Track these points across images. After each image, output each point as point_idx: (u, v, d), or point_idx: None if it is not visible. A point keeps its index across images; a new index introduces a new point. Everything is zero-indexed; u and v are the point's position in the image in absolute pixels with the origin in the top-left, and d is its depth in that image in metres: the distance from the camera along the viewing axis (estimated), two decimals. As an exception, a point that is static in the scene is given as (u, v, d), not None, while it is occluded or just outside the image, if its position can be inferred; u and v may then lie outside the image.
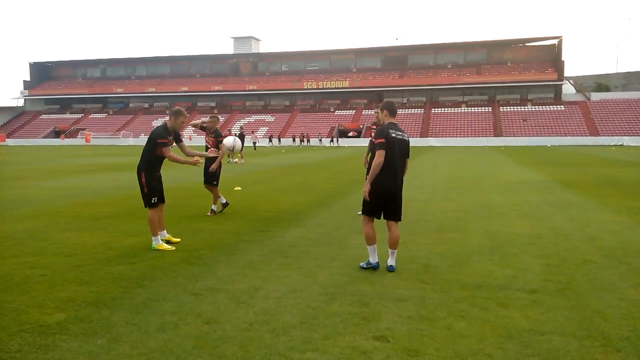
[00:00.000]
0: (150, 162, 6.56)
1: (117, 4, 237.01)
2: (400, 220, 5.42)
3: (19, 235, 7.37)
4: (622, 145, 52.43)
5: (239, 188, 13.39)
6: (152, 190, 6.55)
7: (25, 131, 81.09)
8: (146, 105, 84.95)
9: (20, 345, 3.52)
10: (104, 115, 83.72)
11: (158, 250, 6.41)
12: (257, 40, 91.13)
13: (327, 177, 17.09)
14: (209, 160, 9.21)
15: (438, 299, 4.44)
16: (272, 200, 11.12)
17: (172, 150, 6.68)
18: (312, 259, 5.91)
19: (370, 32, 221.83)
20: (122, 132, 74.95)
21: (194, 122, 9.07)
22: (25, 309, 4.25)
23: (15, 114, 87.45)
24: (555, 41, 71.17)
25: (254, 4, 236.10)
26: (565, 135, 58.64)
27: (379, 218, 5.45)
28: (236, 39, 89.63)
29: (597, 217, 8.57)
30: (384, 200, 5.30)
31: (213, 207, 9.37)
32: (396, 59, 78.00)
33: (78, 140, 71.96)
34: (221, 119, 76.06)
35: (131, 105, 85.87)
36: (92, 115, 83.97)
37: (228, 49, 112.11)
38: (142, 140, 71.15)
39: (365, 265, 5.45)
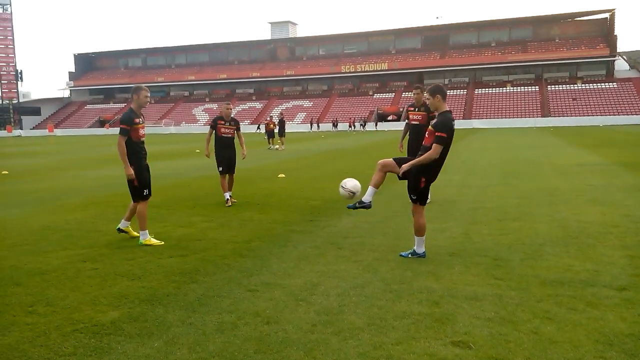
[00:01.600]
0: (132, 152, 6.18)
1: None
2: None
3: (69, 227, 7.34)
4: (680, 123, 49.50)
5: (283, 175, 13.15)
6: (142, 182, 6.32)
7: (71, 121, 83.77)
8: (186, 94, 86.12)
9: (74, 348, 3.34)
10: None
11: (146, 245, 6.00)
12: (294, 24, 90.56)
13: (371, 162, 16.60)
14: (230, 150, 9.01)
15: (517, 297, 4.02)
16: (317, 188, 10.81)
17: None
18: (369, 250, 5.57)
19: (409, 11, 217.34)
20: (163, 121, 76.30)
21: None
22: (78, 306, 4.09)
23: (62, 104, 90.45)
24: (607, 15, 67.59)
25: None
26: (618, 114, 55.85)
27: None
28: (273, 24, 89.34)
29: (675, 202, 7.84)
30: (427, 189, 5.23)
31: (227, 194, 8.98)
32: (437, 38, 75.97)
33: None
34: (259, 105, 76.85)
35: (172, 93, 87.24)
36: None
37: (265, 34, 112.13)
38: (183, 128, 72.40)
39: (410, 255, 5.24)
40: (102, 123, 80.00)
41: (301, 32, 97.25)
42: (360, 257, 5.30)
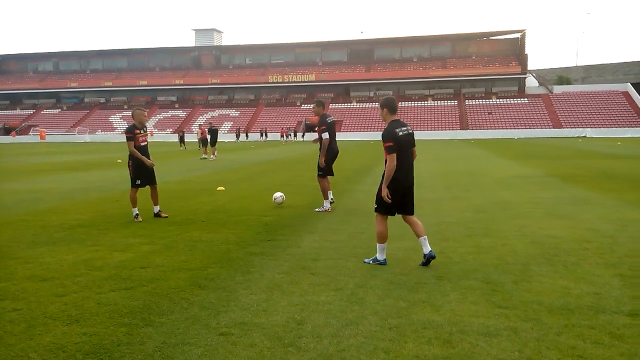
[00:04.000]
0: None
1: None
2: (413, 213, 5.49)
3: (-22, 253, 6.11)
4: (585, 137, 53.55)
5: (223, 188, 12.27)
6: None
7: (-28, 128, 76.35)
8: (102, 100, 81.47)
9: None
10: (57, 110, 79.79)
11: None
12: (220, 32, 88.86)
13: (312, 174, 16.08)
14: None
15: (533, 331, 3.57)
16: (264, 202, 10.08)
17: None
18: (346, 276, 4.97)
19: (335, 25, 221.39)
20: (77, 128, 71.59)
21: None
22: (-1, 366, 3.14)
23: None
24: (518, 35, 72.17)
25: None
26: (530, 128, 59.51)
27: (393, 215, 5.43)
28: (197, 31, 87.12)
29: (628, 215, 7.94)
30: (401, 197, 5.32)
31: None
32: (362, 52, 77.41)
33: (30, 138, 68.22)
34: (182, 114, 74.36)
35: (86, 100, 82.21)
36: (45, 111, 79.92)
37: (189, 41, 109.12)
38: (99, 136, 68.34)
39: (371, 262, 5.37)
40: (7, 130, 73.53)
41: (227, 40, 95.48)
42: (339, 285, 4.68)
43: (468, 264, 5.28)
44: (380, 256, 5.36)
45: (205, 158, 23.55)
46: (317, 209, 8.91)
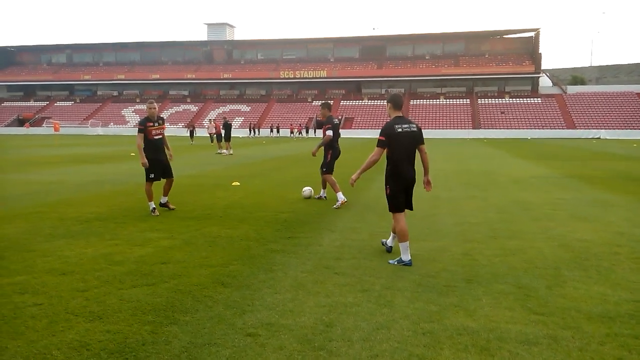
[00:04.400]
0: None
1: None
2: (412, 209, 5.59)
3: (-4, 245, 6.05)
4: (599, 138, 52.91)
5: (238, 183, 12.17)
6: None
7: (-14, 119, 77.06)
8: (115, 93, 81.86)
9: None
10: (70, 103, 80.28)
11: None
12: (232, 27, 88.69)
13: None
14: (164, 153, 8.51)
15: (574, 339, 3.42)
16: (280, 197, 9.98)
17: None
18: (372, 276, 4.83)
19: (347, 21, 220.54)
20: (90, 121, 71.95)
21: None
22: (23, 364, 3.05)
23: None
24: (532, 33, 71.39)
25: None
26: (543, 128, 58.92)
27: (402, 211, 5.40)
28: (210, 25, 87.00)
29: (655, 219, 7.73)
30: (405, 191, 5.38)
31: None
32: (374, 49, 77.01)
33: (44, 130, 68.70)
34: (194, 108, 74.52)
35: (99, 92, 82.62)
36: (58, 103, 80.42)
37: (201, 35, 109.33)
38: (111, 129, 68.62)
39: (396, 263, 5.29)
40: (21, 122, 74.13)
41: (239, 35, 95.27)
42: (366, 286, 4.55)
43: (496, 267, 5.13)
44: (405, 257, 5.27)
45: (221, 153, 23.46)
46: (334, 206, 8.84)
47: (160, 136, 8.32)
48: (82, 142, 39.31)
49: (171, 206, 8.57)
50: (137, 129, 8.18)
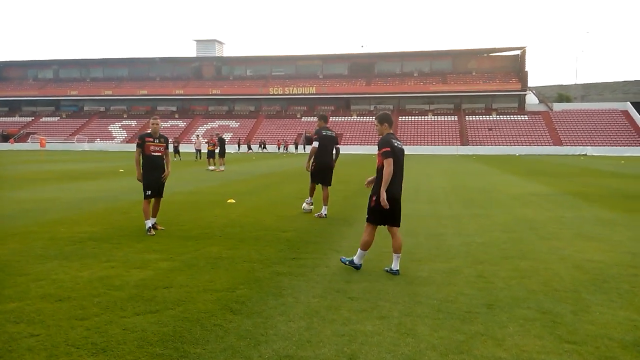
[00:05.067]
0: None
1: (71, 0, 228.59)
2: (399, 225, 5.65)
3: (-14, 268, 5.72)
4: (586, 154, 53.52)
5: (233, 200, 11.91)
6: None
7: (-31, 134, 75.79)
8: (102, 109, 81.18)
9: None
10: (56, 118, 79.41)
11: None
12: (221, 43, 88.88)
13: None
14: (160, 171, 8.31)
15: (615, 371, 3.22)
16: (278, 215, 9.73)
17: None
18: (387, 301, 4.61)
19: (336, 38, 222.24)
20: (76, 137, 71.16)
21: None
22: (23, 406, 2.76)
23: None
24: (518, 52, 72.49)
25: (218, 6, 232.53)
26: (530, 145, 59.47)
27: (383, 225, 5.58)
28: (199, 41, 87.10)
29: (662, 238, 7.62)
30: (392, 208, 5.43)
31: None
32: (363, 66, 77.56)
33: (29, 145, 67.75)
34: (182, 124, 74.09)
35: (86, 108, 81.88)
36: (44, 119, 79.52)
37: (190, 52, 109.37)
38: (98, 145, 67.85)
39: (347, 262, 5.70)
40: (5, 137, 73.04)
41: (228, 51, 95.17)
42: (383, 312, 4.32)
43: (514, 291, 4.93)
44: (357, 260, 5.66)
45: (213, 170, 23.14)
46: (316, 214, 9.54)
47: (159, 154, 8.07)
48: (69, 158, 38.71)
49: (159, 227, 8.27)
50: (135, 143, 8.08)
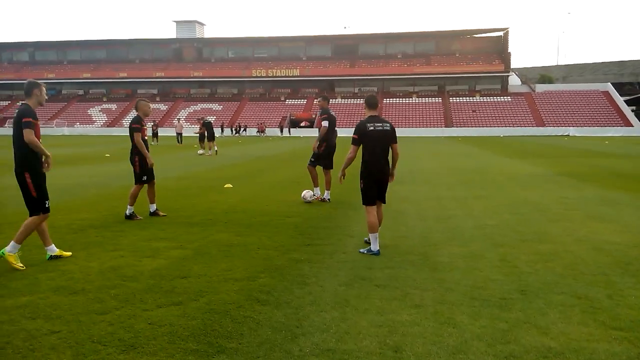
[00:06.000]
0: (31, 154, 5.33)
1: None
2: (385, 202, 5.95)
3: (-13, 260, 5.43)
4: (568, 135, 54.13)
5: (230, 185, 11.65)
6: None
7: (-58, 119, 73.49)
8: (81, 92, 79.25)
9: None
10: (33, 102, 77.28)
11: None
12: (202, 24, 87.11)
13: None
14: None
15: (670, 358, 3.14)
16: (279, 200, 9.53)
17: None
18: (416, 288, 4.48)
19: (319, 19, 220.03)
20: (55, 121, 69.46)
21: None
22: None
23: None
24: (501, 33, 72.50)
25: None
26: (513, 126, 59.83)
27: (374, 204, 5.77)
28: (179, 22, 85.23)
29: (670, 218, 7.63)
30: (377, 186, 5.76)
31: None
32: (347, 47, 76.86)
33: (7, 130, 65.96)
34: (164, 107, 72.78)
35: (64, 91, 79.79)
36: (21, 102, 77.33)
37: (170, 33, 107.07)
38: (78, 129, 66.37)
39: (366, 252, 5.67)
40: (-20, 122, 71.03)
41: (209, 33, 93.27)
42: (415, 300, 4.18)
43: (542, 275, 4.84)
44: (374, 247, 5.65)
45: (202, 154, 22.72)
46: (309, 198, 9.23)
47: (146, 137, 7.92)
48: (50, 142, 37.72)
49: (161, 213, 8.04)
50: (131, 127, 7.67)
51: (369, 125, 5.67)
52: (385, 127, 5.73)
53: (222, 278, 4.76)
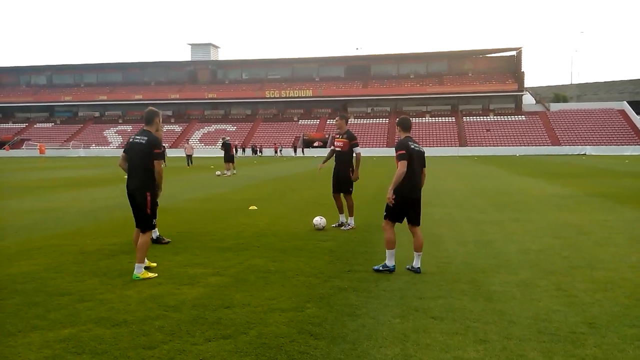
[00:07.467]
0: (152, 177, 5.78)
1: (63, 6, 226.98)
2: (419, 224, 5.86)
3: (22, 287, 5.28)
4: (585, 154, 53.50)
5: (255, 207, 11.47)
6: (155, 210, 6.00)
7: (-39, 141, 74.74)
8: (97, 114, 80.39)
9: None
10: (50, 124, 78.59)
11: (142, 279, 5.52)
12: (216, 47, 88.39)
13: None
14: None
15: None
16: (307, 223, 9.28)
17: None
18: (476, 321, 4.22)
19: (332, 41, 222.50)
20: (71, 143, 70.37)
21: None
22: None
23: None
24: (514, 52, 72.60)
25: (212, 10, 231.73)
26: (529, 145, 59.45)
27: (400, 222, 5.82)
28: (194, 45, 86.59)
29: None
30: (408, 207, 5.74)
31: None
32: (359, 68, 77.36)
33: (24, 152, 66.91)
34: (178, 128, 73.45)
35: (80, 114, 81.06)
36: (38, 125, 78.64)
37: (185, 56, 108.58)
38: (94, 151, 67.05)
39: (381, 268, 5.72)
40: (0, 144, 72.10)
41: (223, 55, 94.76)
42: (479, 334, 3.93)
43: (607, 305, 4.56)
44: (389, 262, 5.71)
45: (220, 174, 22.66)
46: (341, 227, 8.74)
47: None
48: (67, 164, 38.08)
49: (165, 240, 7.64)
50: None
51: (410, 143, 5.77)
52: (420, 149, 5.92)
53: (268, 308, 4.55)
